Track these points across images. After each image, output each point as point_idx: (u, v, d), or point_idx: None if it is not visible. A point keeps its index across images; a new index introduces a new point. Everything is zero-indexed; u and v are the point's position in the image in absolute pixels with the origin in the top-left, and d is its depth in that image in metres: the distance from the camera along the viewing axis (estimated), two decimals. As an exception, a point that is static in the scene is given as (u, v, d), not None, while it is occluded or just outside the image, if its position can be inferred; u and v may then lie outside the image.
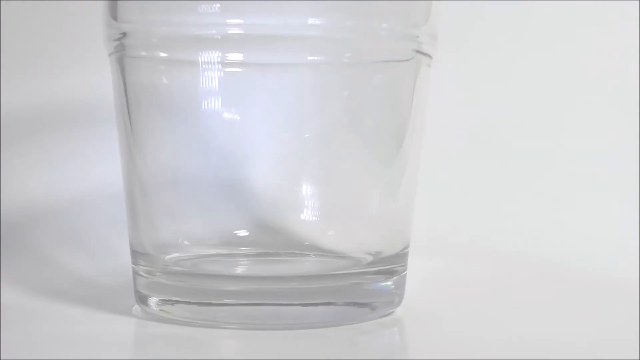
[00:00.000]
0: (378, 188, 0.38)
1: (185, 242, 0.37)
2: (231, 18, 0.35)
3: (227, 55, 0.35)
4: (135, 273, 0.38)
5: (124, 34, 0.36)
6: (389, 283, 0.38)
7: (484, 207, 0.55)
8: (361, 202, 0.37)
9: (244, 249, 0.38)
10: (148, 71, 0.37)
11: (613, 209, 0.53)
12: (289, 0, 0.35)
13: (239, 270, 0.37)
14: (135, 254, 0.38)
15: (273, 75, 0.36)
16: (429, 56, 0.38)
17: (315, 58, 0.36)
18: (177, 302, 0.36)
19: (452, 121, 0.56)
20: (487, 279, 0.47)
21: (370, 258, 0.37)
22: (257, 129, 0.37)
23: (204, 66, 0.35)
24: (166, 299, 0.36)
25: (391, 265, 0.37)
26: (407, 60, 0.37)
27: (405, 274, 0.39)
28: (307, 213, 0.37)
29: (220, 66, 0.35)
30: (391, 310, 0.38)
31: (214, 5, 0.34)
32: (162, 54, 0.36)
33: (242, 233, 0.38)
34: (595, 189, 0.54)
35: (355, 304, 0.36)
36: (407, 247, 0.38)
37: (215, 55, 0.35)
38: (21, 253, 0.50)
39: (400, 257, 0.38)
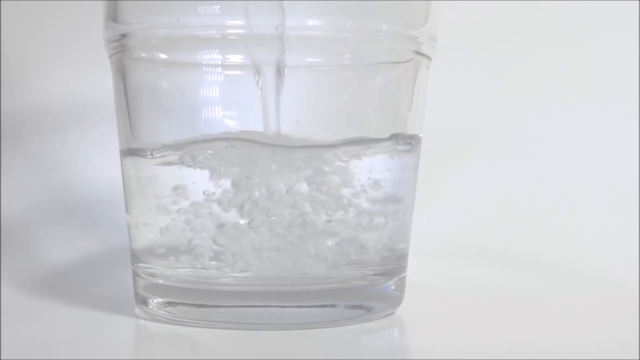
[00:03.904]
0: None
1: (185, 244, 0.37)
2: (231, 19, 0.35)
3: (226, 56, 0.35)
4: (135, 275, 0.38)
5: (124, 36, 0.36)
6: (390, 284, 0.38)
7: (484, 207, 0.55)
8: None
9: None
10: (148, 72, 0.37)
11: (613, 210, 0.53)
12: (288, 0, 0.35)
13: (239, 272, 0.37)
14: (135, 256, 0.38)
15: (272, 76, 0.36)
16: (428, 57, 0.38)
17: (315, 59, 0.36)
18: (177, 303, 0.36)
19: (452, 122, 0.56)
20: (487, 279, 0.47)
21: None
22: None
23: (203, 67, 0.35)
24: (166, 300, 0.36)
25: (391, 266, 0.37)
26: (407, 61, 0.37)
27: (405, 275, 0.39)
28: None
29: (220, 68, 0.35)
30: (391, 311, 0.38)
31: (214, 7, 0.34)
32: (162, 56, 0.36)
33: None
34: (596, 190, 0.55)
35: (355, 304, 0.37)
36: (407, 247, 0.39)
37: (215, 57, 0.35)
38: (21, 253, 0.50)
39: (400, 258, 0.38)
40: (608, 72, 0.56)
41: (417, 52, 0.37)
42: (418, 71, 0.37)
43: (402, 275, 0.38)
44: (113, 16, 0.37)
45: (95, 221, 0.53)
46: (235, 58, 0.35)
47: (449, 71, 0.51)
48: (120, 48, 0.37)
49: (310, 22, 0.35)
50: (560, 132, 0.56)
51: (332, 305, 0.36)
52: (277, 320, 0.35)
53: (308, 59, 0.36)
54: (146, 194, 0.37)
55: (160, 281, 0.37)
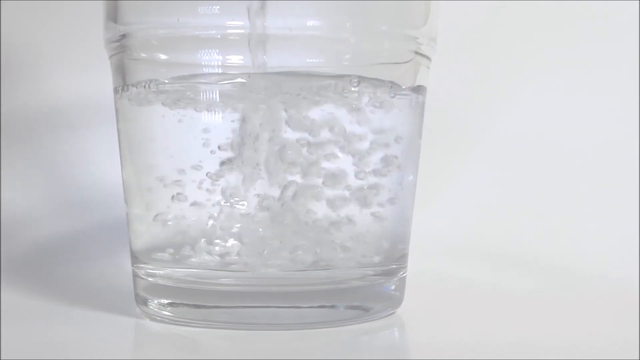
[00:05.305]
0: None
1: (185, 245, 0.37)
2: (231, 20, 0.35)
3: (226, 57, 0.35)
4: (135, 275, 0.38)
5: (124, 36, 0.36)
6: (390, 284, 0.38)
7: (484, 207, 0.55)
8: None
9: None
10: (148, 73, 0.37)
11: (613, 210, 0.53)
12: (289, 0, 0.35)
13: (239, 272, 0.37)
14: (135, 257, 0.38)
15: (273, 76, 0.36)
16: (428, 58, 0.38)
17: (315, 60, 0.36)
18: (177, 304, 0.36)
19: (452, 121, 0.56)
20: (487, 279, 0.47)
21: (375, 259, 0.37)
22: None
23: (203, 68, 0.35)
24: (166, 301, 0.36)
25: (391, 266, 0.38)
26: (406, 62, 0.37)
27: (405, 275, 0.39)
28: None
29: (219, 68, 0.35)
30: (391, 311, 0.38)
31: (214, 7, 0.34)
32: (162, 56, 0.36)
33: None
34: (596, 190, 0.55)
35: (355, 305, 0.37)
36: (406, 247, 0.39)
37: (215, 57, 0.35)
38: (21, 253, 0.50)
39: (400, 259, 0.38)
40: (609, 71, 0.56)
41: (416, 53, 0.37)
42: (418, 71, 0.37)
43: (402, 275, 0.38)
44: (113, 17, 0.37)
45: (96, 220, 0.53)
46: (235, 58, 0.35)
47: (449, 69, 0.51)
48: (120, 49, 0.37)
49: (310, 23, 0.35)
50: (561, 131, 0.56)
51: (332, 306, 0.36)
52: (277, 320, 0.35)
53: (308, 60, 0.36)
54: (145, 192, 0.37)
55: (161, 282, 0.37)
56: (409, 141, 0.38)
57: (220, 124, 0.35)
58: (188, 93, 0.35)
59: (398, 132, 0.37)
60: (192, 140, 0.35)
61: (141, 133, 0.37)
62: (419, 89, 0.38)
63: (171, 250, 0.36)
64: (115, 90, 0.38)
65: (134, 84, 0.36)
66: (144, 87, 0.36)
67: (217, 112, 0.35)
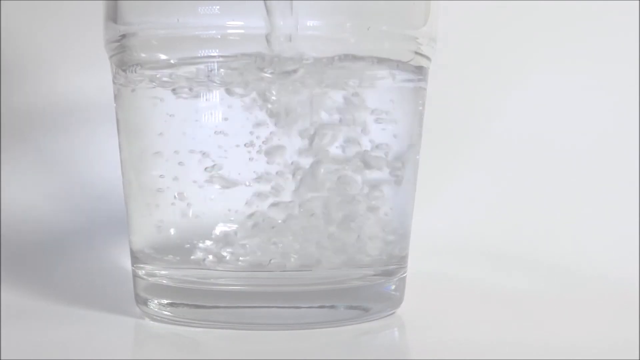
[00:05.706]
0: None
1: (186, 245, 0.37)
2: (231, 19, 0.35)
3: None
4: (134, 275, 0.38)
5: (124, 36, 0.36)
6: (390, 284, 0.38)
7: (484, 207, 0.55)
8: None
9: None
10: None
11: (613, 210, 0.53)
12: (289, 0, 0.35)
13: (239, 272, 0.37)
14: (135, 257, 0.38)
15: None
16: (428, 58, 0.38)
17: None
18: (177, 304, 0.36)
19: (452, 122, 0.56)
20: (487, 279, 0.47)
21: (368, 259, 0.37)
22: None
23: (204, 67, 0.35)
24: (166, 301, 0.36)
25: (391, 267, 0.37)
26: (406, 62, 0.37)
27: (405, 276, 0.39)
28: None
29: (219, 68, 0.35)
30: (391, 311, 0.38)
31: (214, 7, 0.34)
32: (162, 56, 0.36)
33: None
34: (595, 190, 0.55)
35: (355, 305, 0.37)
36: (406, 248, 0.39)
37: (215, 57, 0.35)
38: (21, 252, 0.50)
39: (400, 259, 0.38)
40: (609, 71, 0.56)
41: (416, 53, 0.37)
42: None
43: (402, 276, 0.38)
44: (113, 17, 0.37)
45: (97, 220, 0.53)
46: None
47: (449, 69, 0.51)
48: (120, 49, 0.37)
49: (310, 23, 0.35)
50: (561, 131, 0.56)
51: (332, 306, 0.36)
52: (277, 320, 0.36)
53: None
54: (145, 191, 0.37)
55: (161, 282, 0.37)
56: (410, 139, 0.38)
57: (223, 119, 0.35)
58: (187, 80, 0.35)
59: (398, 128, 0.37)
60: (192, 134, 0.35)
61: (138, 125, 0.37)
62: (420, 70, 0.37)
63: (174, 254, 0.36)
64: (113, 82, 0.38)
65: (127, 67, 0.36)
66: (133, 71, 0.36)
67: (216, 106, 0.35)
